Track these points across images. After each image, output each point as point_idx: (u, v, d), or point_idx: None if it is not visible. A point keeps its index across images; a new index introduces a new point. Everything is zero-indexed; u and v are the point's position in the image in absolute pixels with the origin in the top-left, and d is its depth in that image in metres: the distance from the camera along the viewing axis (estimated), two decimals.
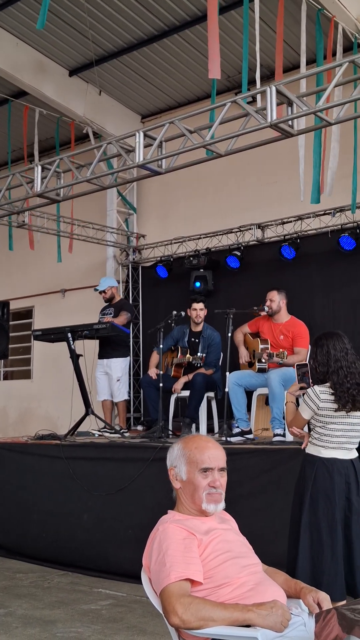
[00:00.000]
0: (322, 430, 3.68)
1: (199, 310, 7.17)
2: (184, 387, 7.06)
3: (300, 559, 3.60)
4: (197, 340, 7.25)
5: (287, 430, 5.86)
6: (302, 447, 3.85)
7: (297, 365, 3.94)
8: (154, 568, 2.36)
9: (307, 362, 3.98)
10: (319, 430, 3.70)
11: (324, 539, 3.58)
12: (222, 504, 2.56)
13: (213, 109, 5.30)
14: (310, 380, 3.81)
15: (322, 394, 3.66)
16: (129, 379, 8.80)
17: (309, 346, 6.44)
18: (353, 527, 3.57)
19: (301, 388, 3.83)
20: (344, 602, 3.50)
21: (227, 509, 2.63)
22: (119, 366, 7.94)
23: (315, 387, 3.71)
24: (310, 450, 3.76)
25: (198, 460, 2.53)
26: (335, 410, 3.62)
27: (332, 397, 3.63)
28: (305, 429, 3.82)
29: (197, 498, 2.52)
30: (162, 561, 2.32)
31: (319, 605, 2.34)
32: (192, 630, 2.19)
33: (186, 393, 7.00)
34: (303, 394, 3.77)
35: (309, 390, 3.72)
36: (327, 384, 3.69)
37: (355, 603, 2.01)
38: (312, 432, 3.76)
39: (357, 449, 3.77)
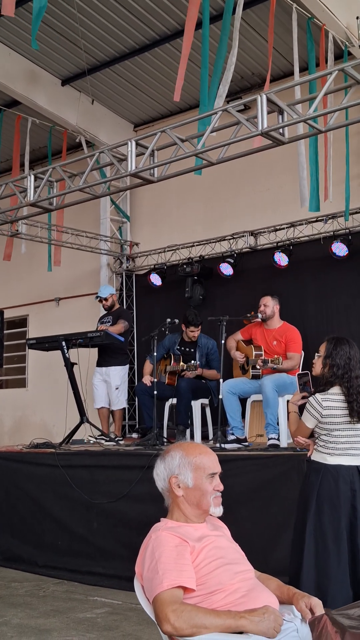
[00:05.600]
0: (327, 437, 3.69)
1: (196, 332, 7.19)
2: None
3: (305, 568, 3.57)
4: (191, 350, 7.26)
5: (281, 435, 5.93)
6: (308, 455, 3.86)
7: (298, 374, 3.97)
8: (147, 576, 2.37)
9: (307, 371, 3.99)
10: (324, 437, 3.71)
11: (329, 547, 3.56)
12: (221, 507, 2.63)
13: (204, 117, 5.31)
14: (312, 389, 3.83)
15: (324, 401, 3.67)
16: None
17: (302, 352, 6.49)
18: (359, 534, 3.56)
19: (303, 397, 3.86)
20: None
21: (222, 515, 2.65)
22: (118, 374, 7.90)
23: (317, 395, 3.72)
24: (316, 457, 3.76)
25: (206, 466, 2.58)
26: (340, 417, 3.64)
27: (336, 405, 3.65)
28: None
29: (204, 503, 2.56)
30: (154, 569, 2.33)
31: (311, 610, 2.35)
32: (185, 637, 2.19)
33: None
34: (305, 404, 3.78)
35: (310, 399, 3.74)
36: (331, 391, 3.70)
37: (346, 608, 2.03)
38: (316, 440, 3.78)
39: None
